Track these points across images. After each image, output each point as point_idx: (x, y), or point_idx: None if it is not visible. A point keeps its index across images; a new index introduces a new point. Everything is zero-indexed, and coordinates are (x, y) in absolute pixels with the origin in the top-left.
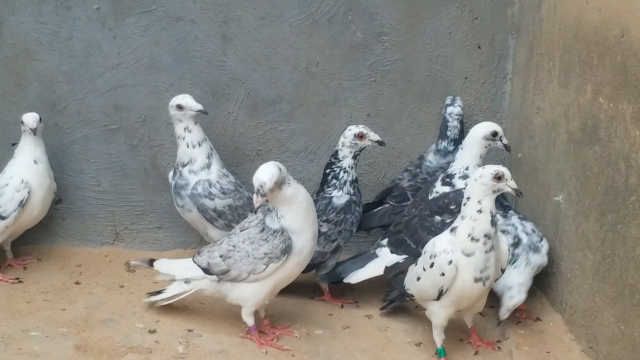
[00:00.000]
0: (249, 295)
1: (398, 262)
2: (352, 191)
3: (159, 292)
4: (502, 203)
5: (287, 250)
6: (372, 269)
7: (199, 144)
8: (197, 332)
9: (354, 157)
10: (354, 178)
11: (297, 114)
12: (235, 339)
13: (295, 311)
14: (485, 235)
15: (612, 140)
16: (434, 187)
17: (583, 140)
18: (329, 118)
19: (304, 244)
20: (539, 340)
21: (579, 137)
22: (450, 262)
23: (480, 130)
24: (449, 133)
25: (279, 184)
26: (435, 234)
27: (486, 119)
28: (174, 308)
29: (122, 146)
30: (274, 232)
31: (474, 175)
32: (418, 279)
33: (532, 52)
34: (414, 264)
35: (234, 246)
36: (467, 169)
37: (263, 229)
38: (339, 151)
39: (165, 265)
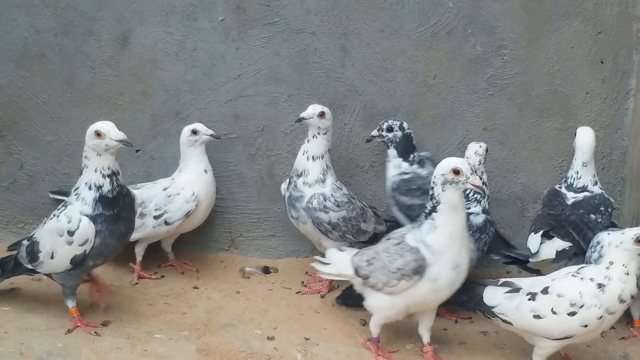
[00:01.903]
0: (381, 306)
1: (565, 249)
2: (488, 208)
3: (325, 263)
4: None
5: (418, 270)
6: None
7: (319, 157)
8: (314, 341)
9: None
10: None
11: (412, 126)
12: (352, 349)
13: (409, 324)
14: (632, 297)
15: None
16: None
17: None
18: (445, 131)
19: (441, 270)
20: None
21: None
22: (601, 318)
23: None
24: None
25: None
26: (592, 230)
27: (607, 135)
28: (290, 316)
29: (241, 155)
30: (410, 249)
31: (615, 242)
32: (537, 316)
33: None
34: (529, 298)
35: (376, 253)
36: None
37: (400, 243)
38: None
39: (332, 253)
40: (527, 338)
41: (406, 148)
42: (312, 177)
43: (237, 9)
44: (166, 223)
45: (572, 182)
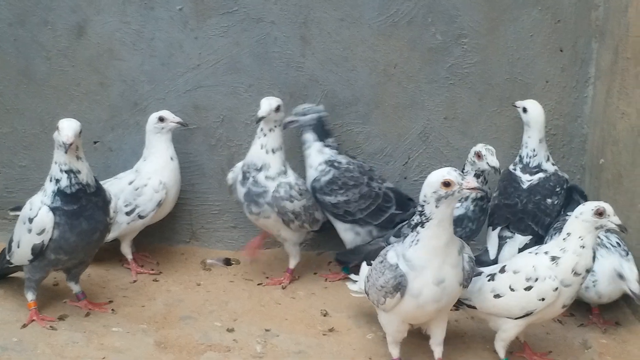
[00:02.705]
0: (384, 323)
1: (526, 243)
2: (471, 207)
3: (354, 281)
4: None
5: (398, 287)
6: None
7: (278, 149)
8: (274, 332)
9: (477, 176)
10: (475, 195)
11: (373, 116)
12: (312, 340)
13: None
14: (587, 270)
15: None
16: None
17: None
18: (406, 120)
19: (423, 286)
20: (622, 350)
21: None
22: (556, 289)
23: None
24: None
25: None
26: (550, 215)
27: (567, 123)
28: (250, 307)
29: (201, 146)
30: (389, 266)
31: (575, 213)
32: (497, 296)
33: (617, 56)
34: (489, 279)
35: (371, 270)
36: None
37: (382, 261)
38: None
39: (363, 268)
40: (491, 324)
41: (323, 131)
42: (274, 170)
43: None
44: (140, 217)
45: (528, 161)
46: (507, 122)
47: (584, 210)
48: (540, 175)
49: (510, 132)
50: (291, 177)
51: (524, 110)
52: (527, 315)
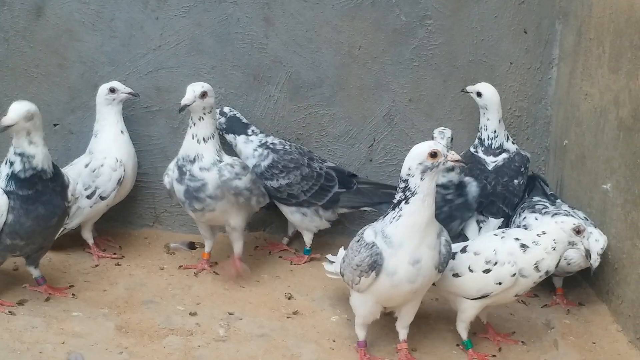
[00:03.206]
0: (355, 304)
1: (500, 225)
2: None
3: (331, 262)
4: (546, 192)
5: (374, 266)
6: None
7: (210, 137)
8: (237, 315)
9: None
10: (441, 181)
11: (338, 98)
12: (276, 323)
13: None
14: (547, 272)
15: None
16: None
17: (634, 127)
18: (371, 102)
19: (399, 264)
20: (585, 330)
21: (629, 123)
22: (514, 275)
23: None
24: None
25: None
26: (517, 195)
27: (531, 105)
28: (213, 291)
29: (163, 128)
30: (365, 245)
31: (557, 219)
32: (456, 275)
33: (580, 37)
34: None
35: (348, 250)
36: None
37: (359, 240)
38: None
39: (340, 253)
40: (451, 303)
41: (239, 127)
42: (208, 160)
43: None
44: (102, 198)
45: (489, 143)
46: (472, 104)
47: (566, 224)
48: (504, 155)
49: (475, 113)
50: (227, 159)
51: (479, 94)
52: (483, 297)
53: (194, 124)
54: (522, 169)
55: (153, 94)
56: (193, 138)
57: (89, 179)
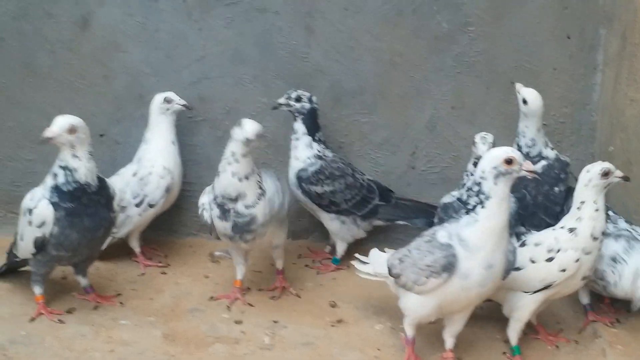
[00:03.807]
0: (412, 307)
1: None
2: (464, 196)
3: (364, 262)
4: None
5: (447, 267)
6: None
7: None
8: (282, 324)
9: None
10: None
11: (379, 106)
12: (320, 331)
13: None
14: (603, 233)
15: None
16: None
17: None
18: (413, 110)
19: (473, 268)
20: (634, 339)
21: None
22: (578, 260)
23: None
24: None
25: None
26: (559, 203)
27: (575, 111)
28: (258, 299)
29: (207, 138)
30: (440, 245)
31: (583, 182)
32: (516, 269)
33: (625, 41)
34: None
35: (409, 251)
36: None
37: (430, 240)
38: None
39: (373, 254)
40: (505, 305)
41: (313, 124)
42: (251, 198)
43: None
44: (150, 206)
45: (527, 151)
46: (515, 110)
47: (592, 177)
48: (543, 163)
49: (518, 120)
50: (270, 185)
51: (524, 101)
52: (545, 288)
53: (236, 161)
54: (562, 176)
55: (197, 103)
56: (233, 176)
57: (138, 188)
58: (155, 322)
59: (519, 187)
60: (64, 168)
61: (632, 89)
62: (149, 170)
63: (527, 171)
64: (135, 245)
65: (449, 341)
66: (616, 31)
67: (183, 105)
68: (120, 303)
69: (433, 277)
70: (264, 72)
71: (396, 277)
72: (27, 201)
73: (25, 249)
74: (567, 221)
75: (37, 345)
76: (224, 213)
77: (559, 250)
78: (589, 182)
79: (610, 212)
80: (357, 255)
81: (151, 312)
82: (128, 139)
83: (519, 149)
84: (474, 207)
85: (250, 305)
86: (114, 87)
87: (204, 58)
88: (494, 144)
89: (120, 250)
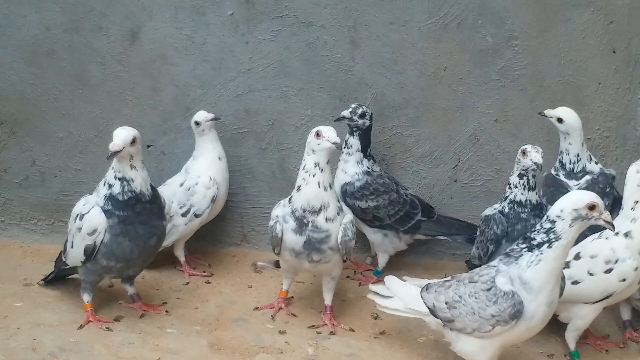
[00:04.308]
0: (473, 351)
1: None
2: (506, 209)
3: (384, 296)
4: None
5: (516, 315)
6: None
7: (331, 184)
8: (325, 335)
9: (520, 176)
10: (519, 199)
11: (423, 118)
12: (364, 343)
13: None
14: None
15: None
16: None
17: None
18: (456, 123)
19: (537, 308)
20: None
21: None
22: (637, 268)
23: None
24: None
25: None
26: None
27: (620, 125)
28: (301, 310)
29: (251, 149)
30: (503, 295)
31: (636, 181)
32: (575, 282)
33: None
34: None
35: (460, 297)
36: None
37: (490, 289)
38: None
39: (395, 285)
40: (563, 314)
41: (367, 141)
42: (333, 210)
43: (246, 3)
44: (196, 216)
45: (571, 167)
46: None
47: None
48: (587, 177)
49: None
50: (348, 212)
51: (559, 120)
52: (606, 298)
53: (321, 170)
54: (608, 189)
55: (242, 115)
56: (319, 186)
57: (184, 197)
58: (201, 331)
59: None
60: (121, 179)
61: None
62: (195, 181)
63: (605, 221)
64: (180, 254)
65: None
66: None
67: (211, 119)
68: (166, 312)
69: (500, 325)
70: (309, 85)
71: (446, 321)
72: (80, 207)
73: (75, 257)
74: (619, 225)
75: (87, 353)
76: (301, 227)
77: (617, 261)
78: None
79: None
80: (372, 287)
81: (196, 321)
82: (175, 150)
83: (563, 166)
84: (539, 244)
85: (294, 315)
86: (162, 99)
87: (249, 71)
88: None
89: (166, 259)
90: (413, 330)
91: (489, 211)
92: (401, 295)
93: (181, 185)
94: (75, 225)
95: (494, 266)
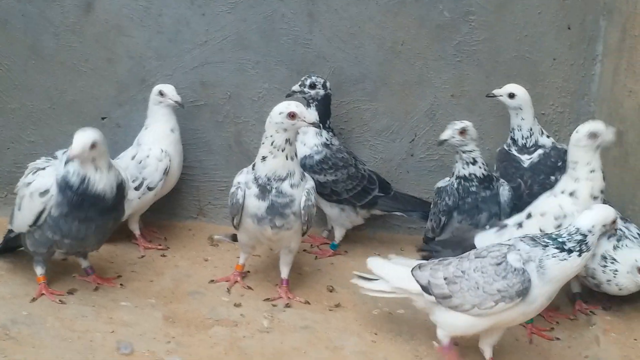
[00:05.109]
0: (460, 326)
1: None
2: (454, 184)
3: (369, 279)
4: None
5: (523, 293)
6: None
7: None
8: (281, 307)
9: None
10: (462, 174)
11: (380, 93)
12: (318, 316)
13: None
14: (602, 192)
15: None
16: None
17: None
18: (413, 98)
19: (539, 296)
20: (627, 327)
21: None
22: None
23: None
24: None
25: None
26: None
27: (574, 101)
28: (257, 283)
29: (208, 122)
30: (514, 270)
31: (572, 142)
32: None
33: (625, 33)
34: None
35: (462, 272)
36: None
37: (501, 263)
38: None
39: (378, 266)
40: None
41: (326, 112)
42: (298, 177)
43: None
44: (149, 189)
45: (524, 142)
46: None
47: (580, 137)
48: (540, 152)
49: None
50: (309, 179)
51: (511, 96)
52: None
53: (290, 144)
54: (560, 164)
55: (198, 88)
56: (287, 158)
57: (136, 171)
58: (156, 304)
59: (514, 176)
60: (82, 177)
61: (631, 80)
62: (146, 153)
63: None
64: (135, 227)
65: (488, 351)
66: (616, 23)
67: (175, 102)
68: (121, 285)
69: (504, 301)
70: (266, 58)
71: (442, 297)
72: (39, 162)
73: (21, 220)
74: (564, 184)
75: (39, 326)
76: (264, 192)
77: (565, 216)
78: (578, 143)
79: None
80: (357, 272)
81: (151, 294)
82: (130, 122)
83: (515, 142)
84: (570, 250)
85: (250, 288)
86: (117, 71)
87: (206, 43)
88: (463, 131)
89: (120, 233)
90: (368, 303)
91: (441, 183)
92: (387, 275)
93: (133, 158)
94: (25, 180)
95: (509, 244)
